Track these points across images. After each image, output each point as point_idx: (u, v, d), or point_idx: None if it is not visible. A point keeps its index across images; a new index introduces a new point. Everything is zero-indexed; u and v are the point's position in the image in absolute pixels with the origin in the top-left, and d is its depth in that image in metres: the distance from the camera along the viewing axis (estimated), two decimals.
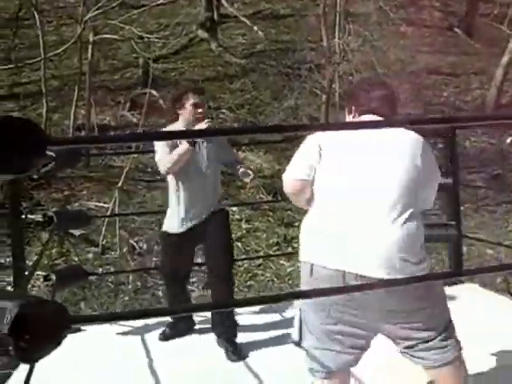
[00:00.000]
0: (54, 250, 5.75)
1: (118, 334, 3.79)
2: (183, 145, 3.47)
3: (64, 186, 7.46)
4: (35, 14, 7.40)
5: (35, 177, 6.97)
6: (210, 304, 3.22)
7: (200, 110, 3.59)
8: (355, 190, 2.27)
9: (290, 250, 6.25)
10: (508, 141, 10.51)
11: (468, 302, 4.07)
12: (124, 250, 6.18)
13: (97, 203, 7.19)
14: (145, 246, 6.52)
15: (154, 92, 9.35)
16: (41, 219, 3.38)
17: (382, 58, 8.99)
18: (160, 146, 3.56)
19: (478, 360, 3.01)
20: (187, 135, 2.55)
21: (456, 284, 4.35)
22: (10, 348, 0.97)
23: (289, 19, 14.02)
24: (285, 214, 7.53)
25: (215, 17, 13.56)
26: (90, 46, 8.03)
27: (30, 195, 6.96)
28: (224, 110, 10.51)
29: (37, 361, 1.02)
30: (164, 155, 3.52)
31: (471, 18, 15.15)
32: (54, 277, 3.13)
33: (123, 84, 10.99)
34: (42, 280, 3.77)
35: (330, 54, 7.99)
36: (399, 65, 9.13)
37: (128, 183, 7.26)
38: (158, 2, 8.75)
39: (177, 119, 3.70)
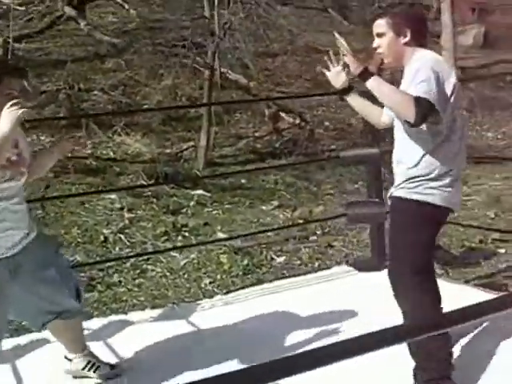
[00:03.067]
0: None
1: None
2: None
3: None
4: None
5: None
6: None
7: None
8: None
9: (180, 239, 5.67)
10: None
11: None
12: None
13: None
14: None
15: None
16: None
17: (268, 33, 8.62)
18: None
19: None
20: None
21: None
22: None
23: None
24: (170, 200, 6.92)
25: None
26: None
27: None
28: (96, 92, 9.68)
29: None
30: None
31: (343, 1, 15.44)
32: None
33: None
34: None
35: (214, 25, 7.43)
36: (285, 41, 8.83)
37: None
38: None
39: None
